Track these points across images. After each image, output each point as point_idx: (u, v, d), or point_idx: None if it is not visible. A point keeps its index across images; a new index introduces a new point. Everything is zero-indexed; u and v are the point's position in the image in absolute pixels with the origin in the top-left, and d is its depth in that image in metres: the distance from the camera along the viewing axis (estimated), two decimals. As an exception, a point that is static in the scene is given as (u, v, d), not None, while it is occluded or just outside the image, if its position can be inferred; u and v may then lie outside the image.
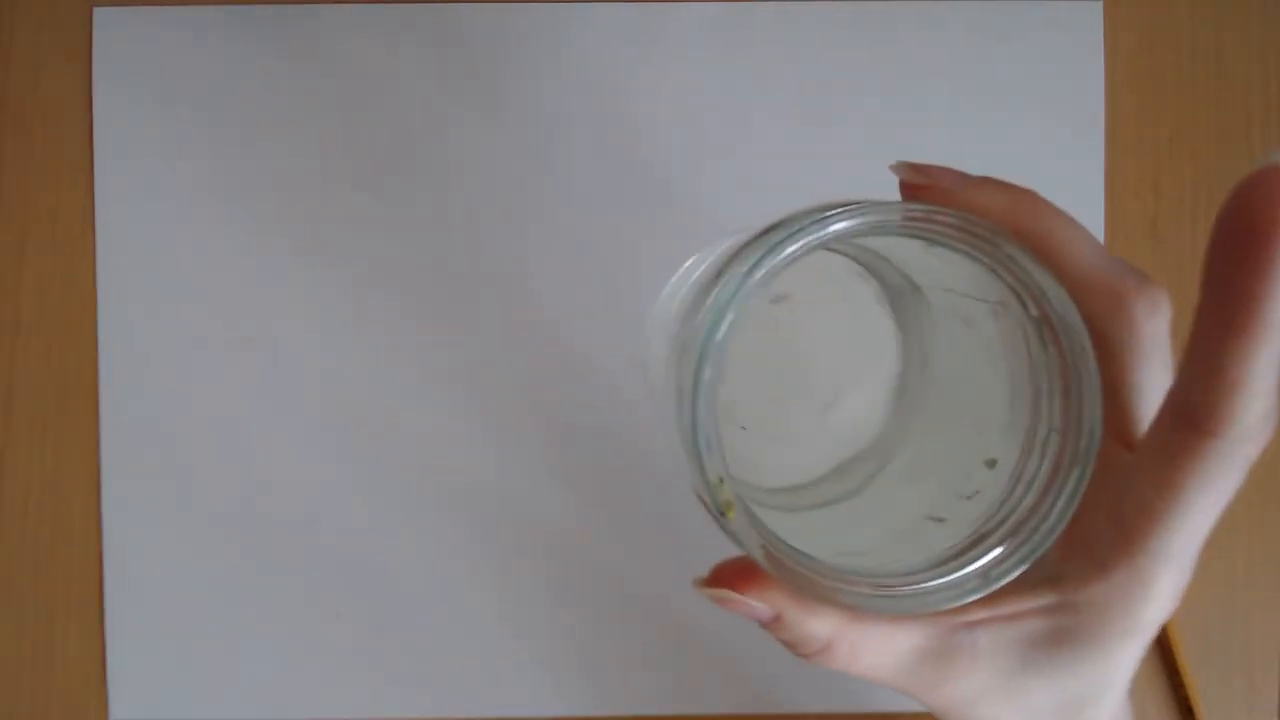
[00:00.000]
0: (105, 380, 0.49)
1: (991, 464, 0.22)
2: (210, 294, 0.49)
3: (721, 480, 0.20)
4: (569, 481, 0.49)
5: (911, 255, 0.24)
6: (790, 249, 0.19)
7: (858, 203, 0.20)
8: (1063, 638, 0.24)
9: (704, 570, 0.25)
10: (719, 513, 0.21)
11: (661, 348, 0.24)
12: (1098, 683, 0.25)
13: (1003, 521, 0.22)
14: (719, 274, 0.20)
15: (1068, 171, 0.49)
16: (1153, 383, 0.24)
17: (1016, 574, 0.22)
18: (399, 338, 0.49)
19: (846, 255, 0.25)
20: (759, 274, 0.19)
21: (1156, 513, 0.22)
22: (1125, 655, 0.25)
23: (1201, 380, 0.21)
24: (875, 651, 0.24)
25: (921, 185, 0.25)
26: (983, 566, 0.21)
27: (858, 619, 0.23)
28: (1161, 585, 0.23)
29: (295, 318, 0.49)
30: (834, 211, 0.20)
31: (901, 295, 0.26)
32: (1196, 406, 0.22)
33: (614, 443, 0.49)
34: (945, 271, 0.23)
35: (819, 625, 0.23)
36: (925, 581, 0.21)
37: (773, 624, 0.24)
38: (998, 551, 0.21)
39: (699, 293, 0.21)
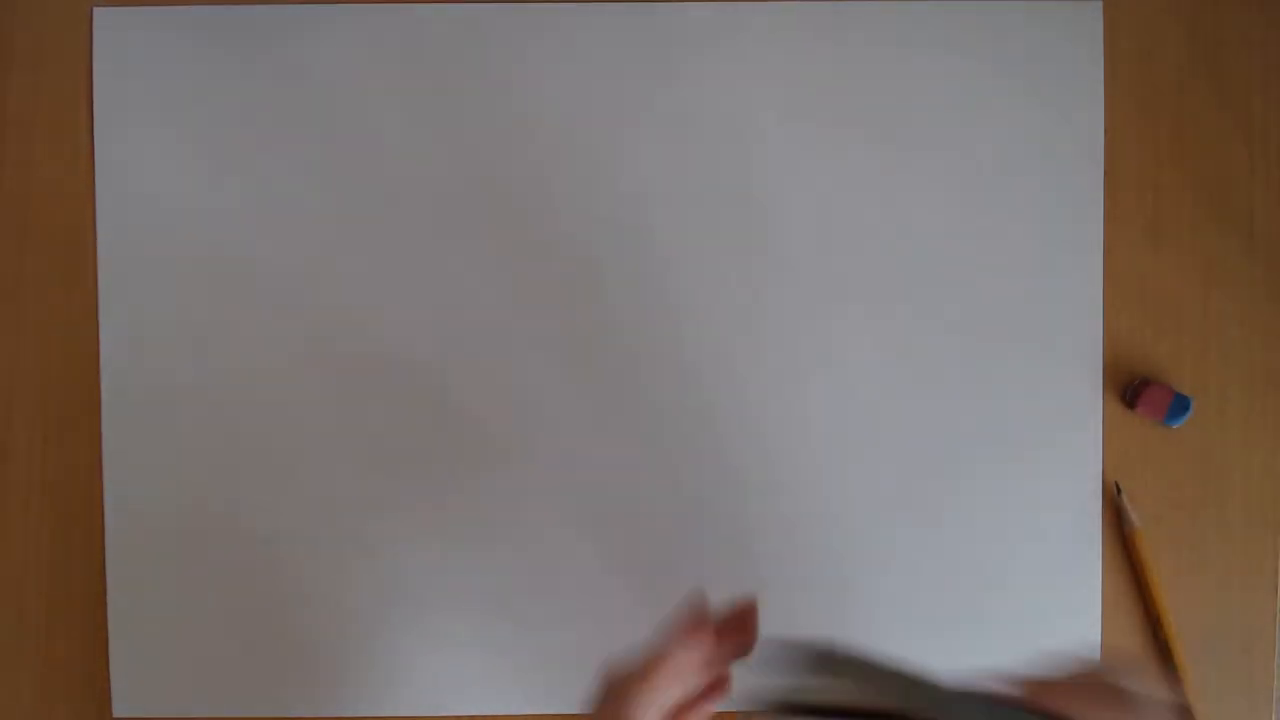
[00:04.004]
0: (106, 380, 0.49)
1: None
2: (211, 293, 0.49)
3: None
4: (569, 486, 0.49)
5: None
6: None
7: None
8: None
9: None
10: None
11: None
12: None
13: None
14: None
15: (1068, 172, 0.49)
16: None
17: None
18: (399, 335, 0.49)
19: None
20: None
21: None
22: None
23: None
24: None
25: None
26: None
27: None
28: None
29: (296, 318, 0.49)
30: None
31: None
32: None
33: (615, 442, 0.49)
34: None
35: None
36: None
37: None
38: None
39: None
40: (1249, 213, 0.50)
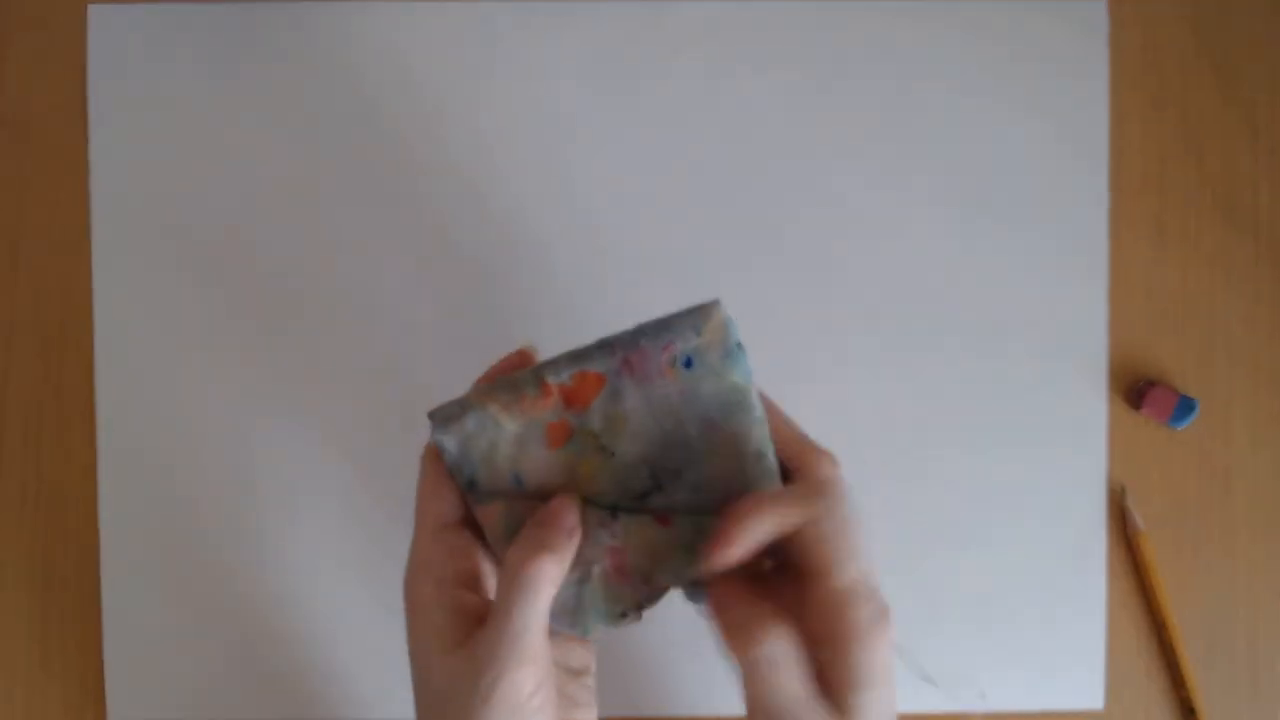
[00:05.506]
0: (101, 380, 0.48)
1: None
2: (208, 291, 0.48)
3: None
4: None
5: None
6: None
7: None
8: None
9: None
10: None
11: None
12: None
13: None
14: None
15: (1072, 170, 0.49)
16: (831, 514, 0.34)
17: None
18: (402, 334, 0.49)
19: None
20: None
21: None
22: None
23: None
24: None
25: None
26: None
27: None
28: None
29: (296, 316, 0.48)
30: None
31: None
32: None
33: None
34: None
35: None
36: None
37: None
38: None
39: None
40: (1255, 213, 0.49)
